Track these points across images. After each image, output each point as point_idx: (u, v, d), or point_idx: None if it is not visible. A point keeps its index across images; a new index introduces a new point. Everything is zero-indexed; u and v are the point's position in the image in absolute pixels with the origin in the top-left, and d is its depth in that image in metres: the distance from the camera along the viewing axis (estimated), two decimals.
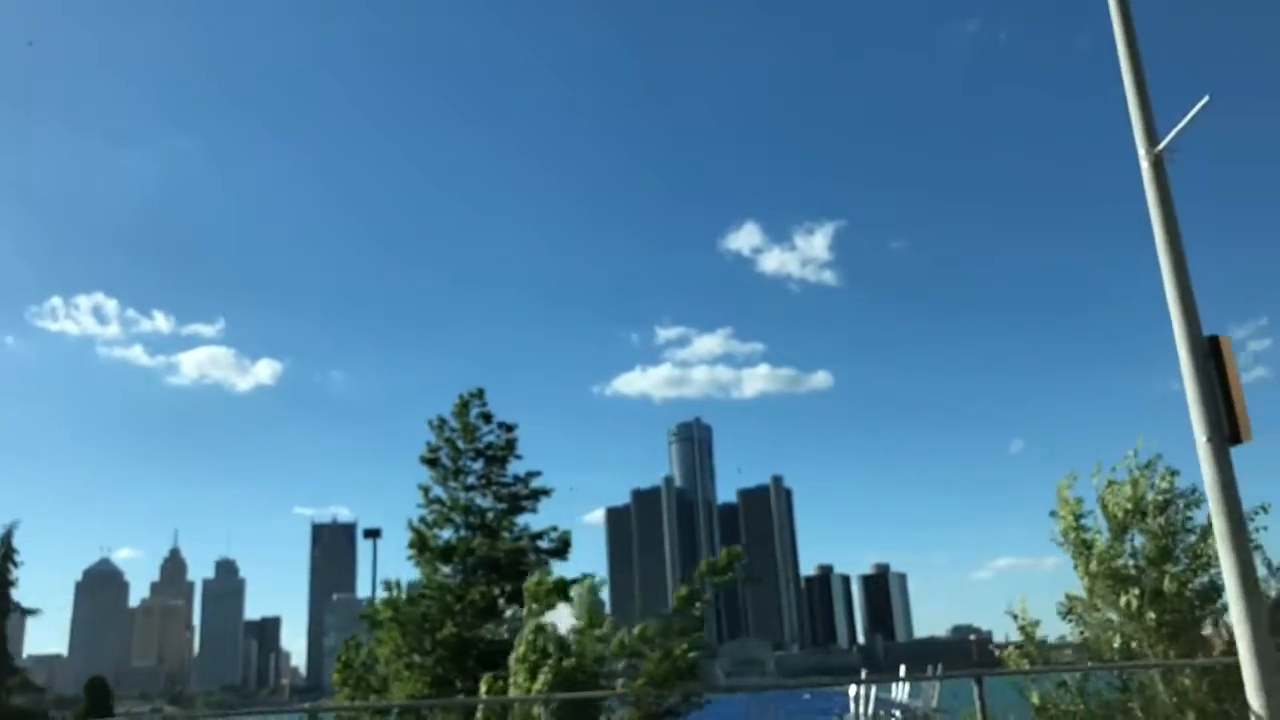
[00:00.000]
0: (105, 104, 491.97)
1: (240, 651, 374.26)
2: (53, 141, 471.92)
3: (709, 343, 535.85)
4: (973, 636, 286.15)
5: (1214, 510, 11.07)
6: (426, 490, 22.76)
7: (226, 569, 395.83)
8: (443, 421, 23.14)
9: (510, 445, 23.39)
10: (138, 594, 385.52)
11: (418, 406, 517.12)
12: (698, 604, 17.21)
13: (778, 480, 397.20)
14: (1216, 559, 16.59)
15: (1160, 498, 16.53)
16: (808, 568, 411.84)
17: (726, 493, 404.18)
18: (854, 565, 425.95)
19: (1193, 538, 16.78)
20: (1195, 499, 16.66)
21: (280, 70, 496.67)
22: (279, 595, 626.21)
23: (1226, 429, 11.60)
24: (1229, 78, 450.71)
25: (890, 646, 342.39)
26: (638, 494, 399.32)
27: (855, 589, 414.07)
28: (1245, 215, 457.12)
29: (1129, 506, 16.74)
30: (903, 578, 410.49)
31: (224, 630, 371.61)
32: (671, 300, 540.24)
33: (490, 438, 23.30)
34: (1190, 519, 16.50)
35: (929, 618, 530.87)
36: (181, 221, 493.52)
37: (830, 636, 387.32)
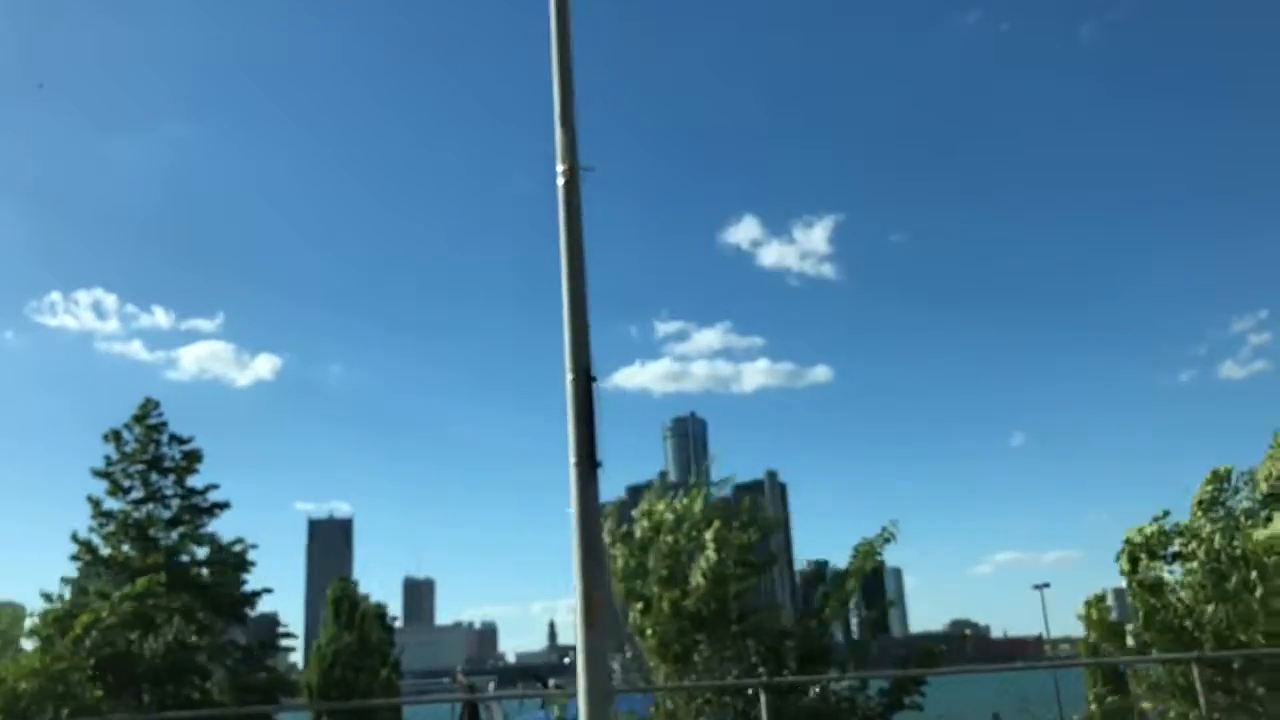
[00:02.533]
0: (104, 96, 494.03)
1: None
2: (52, 134, 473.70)
3: (708, 337, 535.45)
4: (968, 631, 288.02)
5: (574, 537, 10.62)
6: (98, 503, 22.63)
7: None
8: (117, 434, 23.03)
9: (191, 457, 23.34)
10: None
11: (418, 401, 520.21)
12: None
13: (772, 475, 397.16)
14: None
15: (671, 516, 16.17)
16: (801, 563, 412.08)
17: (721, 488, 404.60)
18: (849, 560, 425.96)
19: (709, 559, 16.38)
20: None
21: (281, 63, 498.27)
22: (275, 591, 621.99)
23: (594, 455, 11.25)
24: (1242, 78, 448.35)
25: (886, 641, 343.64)
26: (631, 490, 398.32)
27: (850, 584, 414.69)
28: (1245, 208, 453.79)
29: (645, 524, 16.43)
30: (898, 572, 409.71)
31: None
32: (670, 294, 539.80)
33: (166, 449, 23.19)
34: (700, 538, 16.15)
35: (928, 612, 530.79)
36: (182, 216, 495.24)
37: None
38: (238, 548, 23.32)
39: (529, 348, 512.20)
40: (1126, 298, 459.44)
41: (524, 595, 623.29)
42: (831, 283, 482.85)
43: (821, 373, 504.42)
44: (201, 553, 23.21)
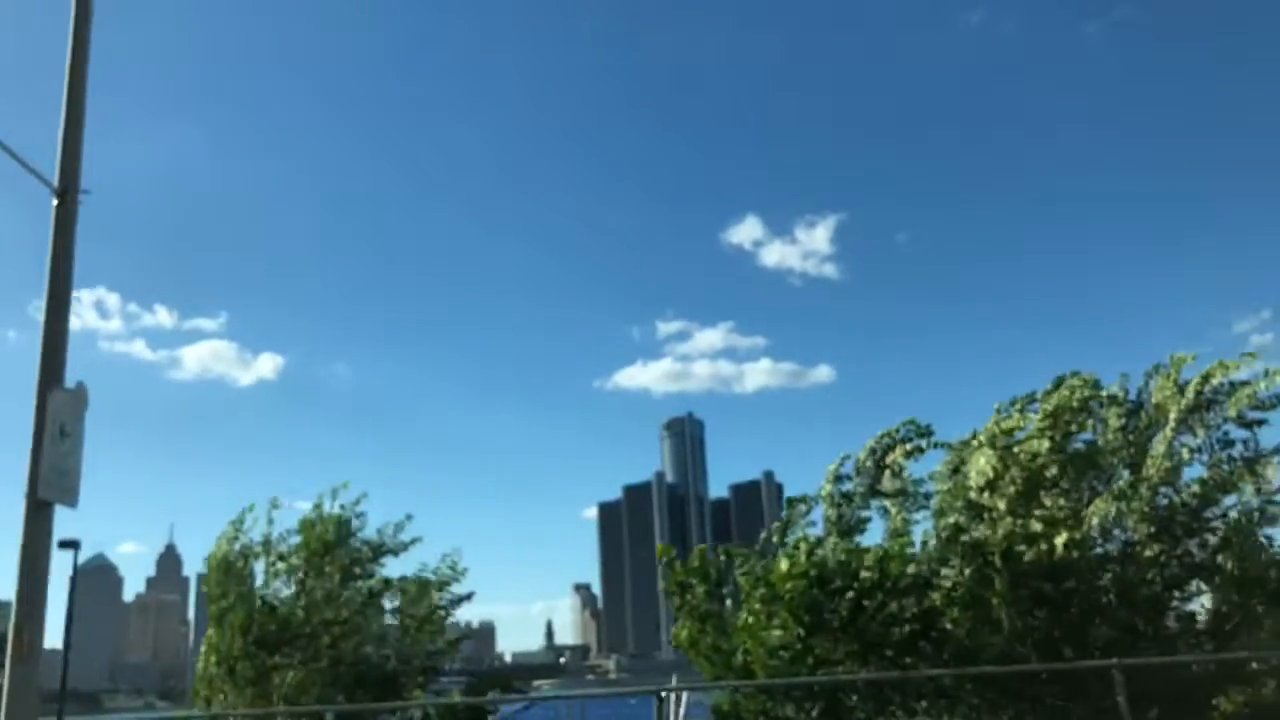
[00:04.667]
0: (107, 96, 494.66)
1: None
2: (53, 134, 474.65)
3: (710, 337, 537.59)
4: None
5: (16, 570, 8.09)
6: None
7: None
8: None
9: None
10: (133, 588, 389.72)
11: (421, 400, 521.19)
12: None
13: (769, 475, 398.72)
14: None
15: (265, 539, 15.78)
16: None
17: (719, 488, 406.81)
18: None
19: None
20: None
21: (282, 64, 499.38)
22: None
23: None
24: (1246, 79, 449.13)
25: None
26: (629, 489, 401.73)
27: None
28: (1247, 208, 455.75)
29: (235, 548, 15.91)
30: None
31: None
32: (672, 294, 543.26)
33: None
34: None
35: None
36: (184, 215, 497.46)
37: None
38: None
39: (529, 348, 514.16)
40: (1129, 298, 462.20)
41: (524, 595, 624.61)
42: (834, 282, 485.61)
43: (824, 373, 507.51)
44: None
